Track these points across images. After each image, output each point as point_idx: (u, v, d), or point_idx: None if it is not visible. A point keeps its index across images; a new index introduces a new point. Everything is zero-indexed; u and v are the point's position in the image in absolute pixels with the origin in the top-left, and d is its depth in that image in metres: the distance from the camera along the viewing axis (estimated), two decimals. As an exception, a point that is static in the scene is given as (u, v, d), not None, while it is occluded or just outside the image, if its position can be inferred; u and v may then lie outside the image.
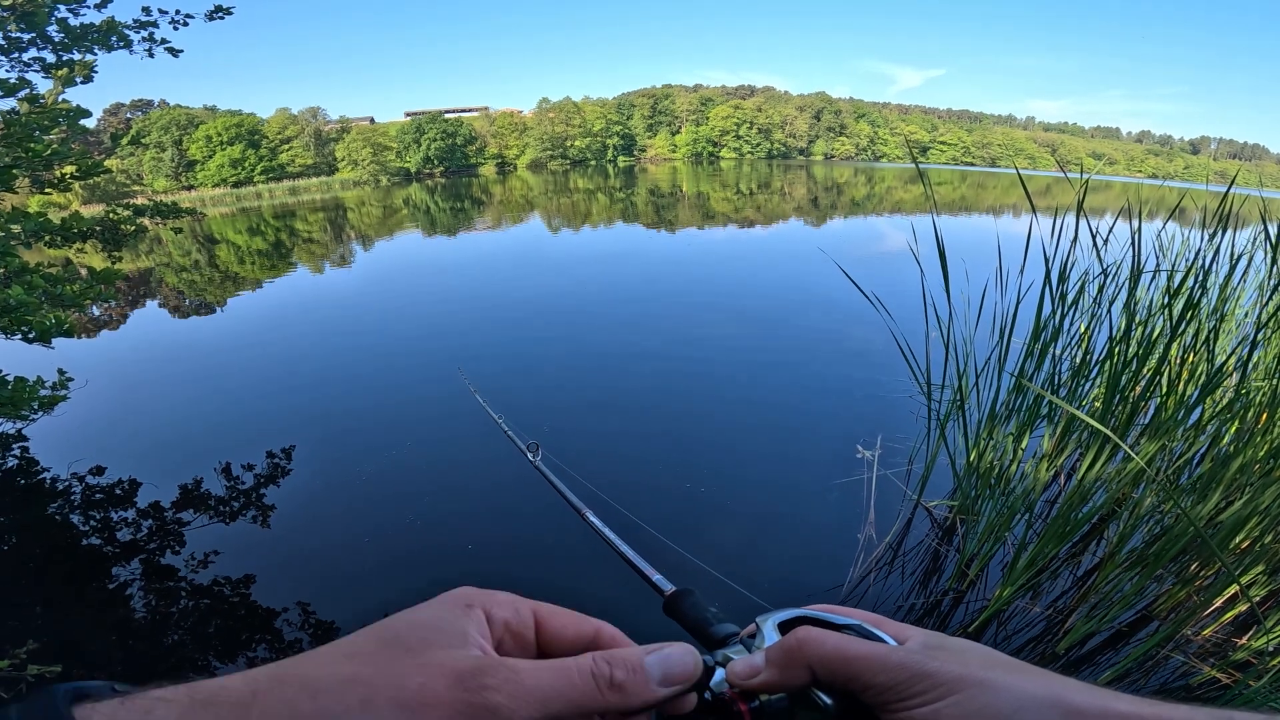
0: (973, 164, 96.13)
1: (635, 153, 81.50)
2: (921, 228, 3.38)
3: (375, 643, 0.31)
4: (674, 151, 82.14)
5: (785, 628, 0.40)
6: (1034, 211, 2.88)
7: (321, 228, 23.54)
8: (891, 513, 3.44)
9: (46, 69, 3.67)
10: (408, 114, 79.56)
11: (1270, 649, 2.15)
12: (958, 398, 3.09)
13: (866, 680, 0.33)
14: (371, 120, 79.82)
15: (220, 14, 4.26)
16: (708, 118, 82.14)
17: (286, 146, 62.78)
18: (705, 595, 0.54)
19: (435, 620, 0.32)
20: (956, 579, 2.88)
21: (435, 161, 67.98)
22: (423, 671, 0.29)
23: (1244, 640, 2.31)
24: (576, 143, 73.79)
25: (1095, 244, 2.92)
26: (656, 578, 0.63)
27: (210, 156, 59.11)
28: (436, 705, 0.28)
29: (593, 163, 75.41)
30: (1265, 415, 2.34)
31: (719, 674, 0.39)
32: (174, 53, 4.20)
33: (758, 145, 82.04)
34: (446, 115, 71.24)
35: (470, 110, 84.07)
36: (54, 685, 0.28)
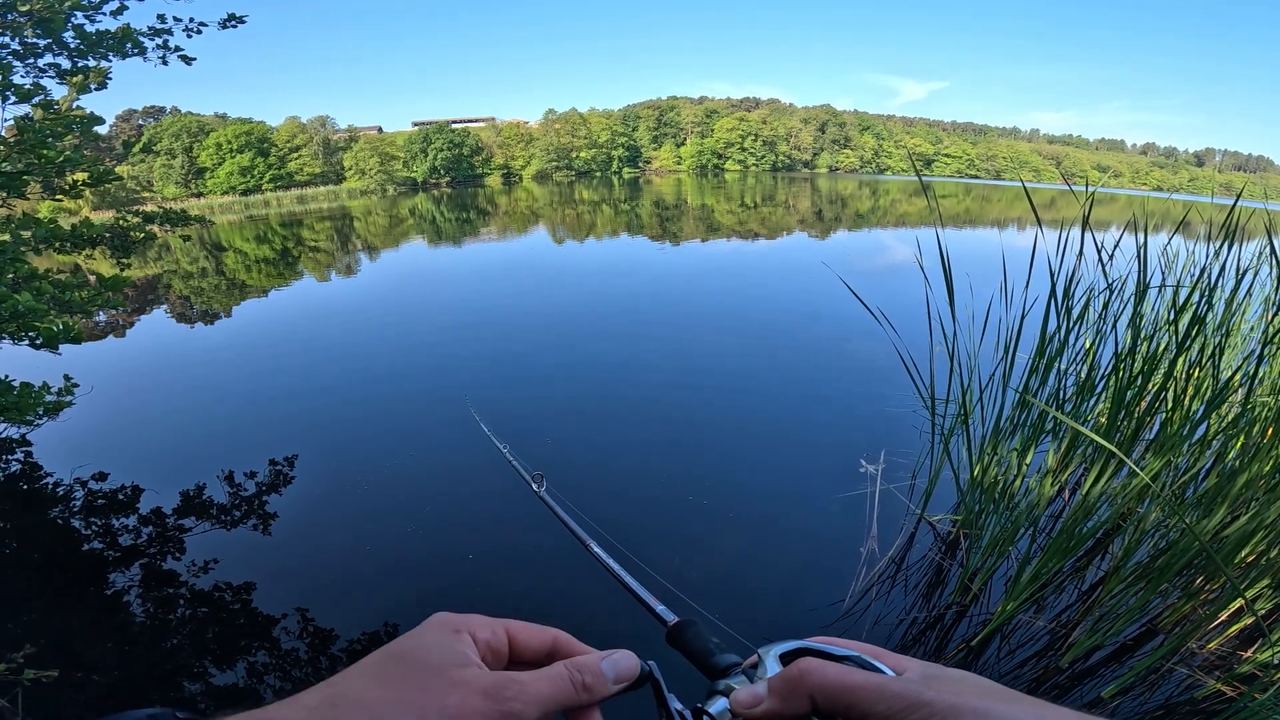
0: (977, 176, 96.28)
1: (640, 164, 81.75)
2: (926, 241, 3.39)
3: (400, 667, 0.36)
4: (679, 163, 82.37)
5: (786, 659, 0.42)
6: (1039, 225, 2.88)
7: (328, 237, 23.69)
8: (894, 527, 3.42)
9: (62, 75, 3.71)
10: (415, 124, 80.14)
11: (1275, 662, 2.14)
12: (962, 412, 3.08)
13: (866, 709, 0.34)
14: (379, 130, 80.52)
15: (233, 22, 4.32)
16: (713, 130, 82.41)
17: (295, 155, 63.22)
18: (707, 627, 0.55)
19: (439, 645, 0.37)
20: (959, 593, 2.86)
21: (442, 171, 68.31)
22: (456, 690, 0.34)
23: (1249, 653, 2.29)
24: (582, 154, 74.11)
25: (1101, 258, 2.91)
26: (660, 608, 0.64)
27: (220, 164, 59.52)
28: (474, 716, 0.34)
29: (598, 174, 75.73)
30: (1271, 430, 2.32)
31: (722, 703, 0.42)
32: (187, 60, 4.25)
33: (762, 157, 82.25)
34: (453, 125, 71.66)
35: (477, 121, 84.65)
36: (127, 713, 0.31)
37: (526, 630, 0.42)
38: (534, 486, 1.34)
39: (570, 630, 0.43)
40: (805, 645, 0.43)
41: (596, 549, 0.93)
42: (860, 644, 0.42)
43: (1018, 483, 3.01)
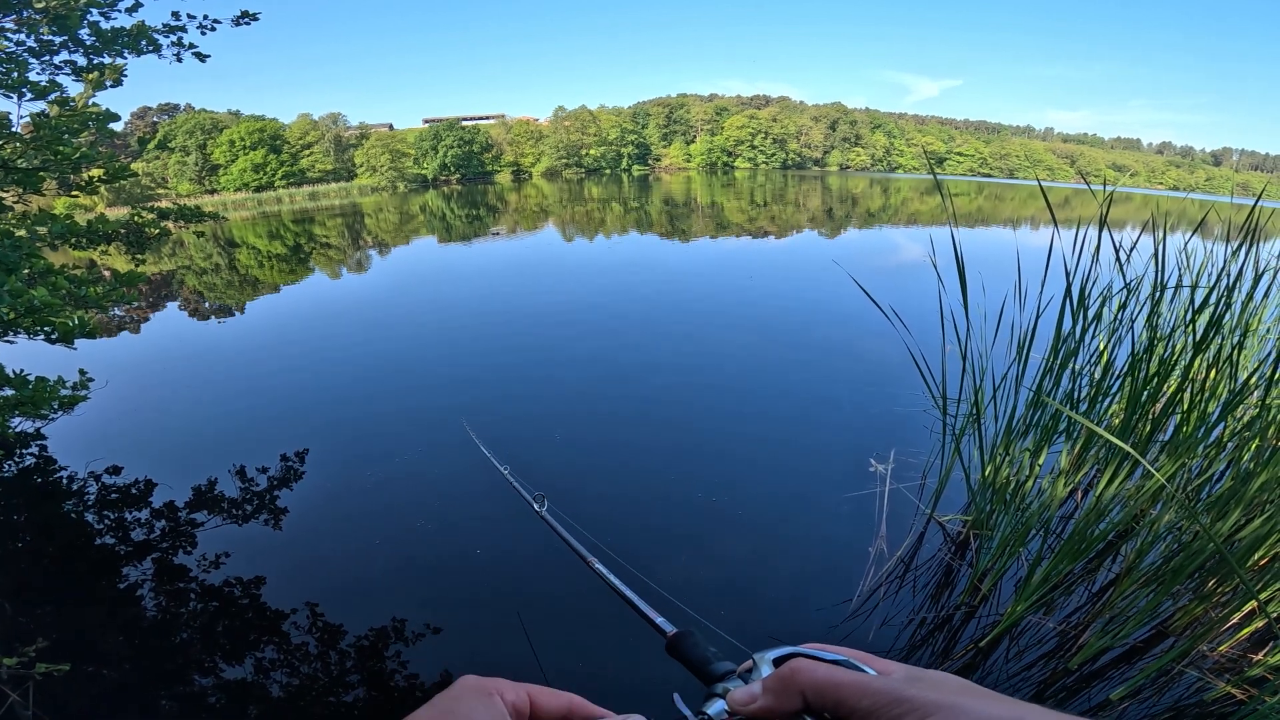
0: (990, 175, 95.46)
1: (650, 162, 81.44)
2: (939, 239, 3.36)
3: None
4: (689, 161, 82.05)
5: (779, 663, 0.45)
6: (1055, 224, 2.85)
7: (339, 233, 23.81)
8: (903, 527, 3.41)
9: (77, 72, 3.75)
10: (426, 121, 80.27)
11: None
12: (974, 412, 3.06)
13: (852, 705, 0.37)
14: (390, 127, 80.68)
15: (246, 19, 4.34)
16: (722, 127, 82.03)
17: (307, 152, 63.50)
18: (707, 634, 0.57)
19: (478, 710, 0.41)
20: (969, 594, 2.84)
21: (452, 168, 68.43)
22: None
23: (1260, 656, 2.28)
24: (591, 151, 73.98)
25: (1118, 258, 2.88)
26: (659, 620, 0.67)
27: (233, 161, 59.89)
28: None
29: (607, 171, 75.60)
30: (1288, 433, 2.30)
31: (719, 704, 0.45)
32: (201, 58, 4.28)
33: (772, 155, 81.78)
34: (464, 122, 71.63)
35: (487, 118, 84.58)
36: None
37: (545, 694, 0.46)
38: (535, 507, 1.34)
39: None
40: (797, 650, 0.46)
41: (599, 566, 0.95)
42: (849, 650, 0.45)
43: (1030, 483, 2.99)
